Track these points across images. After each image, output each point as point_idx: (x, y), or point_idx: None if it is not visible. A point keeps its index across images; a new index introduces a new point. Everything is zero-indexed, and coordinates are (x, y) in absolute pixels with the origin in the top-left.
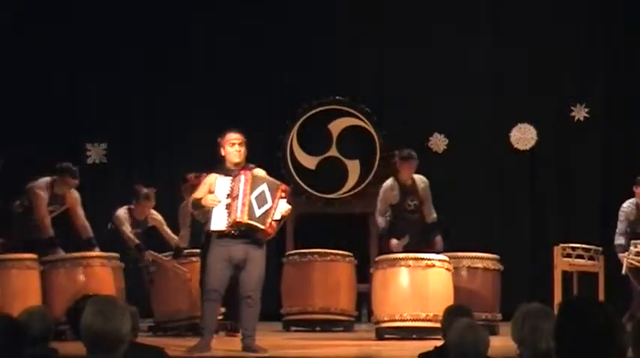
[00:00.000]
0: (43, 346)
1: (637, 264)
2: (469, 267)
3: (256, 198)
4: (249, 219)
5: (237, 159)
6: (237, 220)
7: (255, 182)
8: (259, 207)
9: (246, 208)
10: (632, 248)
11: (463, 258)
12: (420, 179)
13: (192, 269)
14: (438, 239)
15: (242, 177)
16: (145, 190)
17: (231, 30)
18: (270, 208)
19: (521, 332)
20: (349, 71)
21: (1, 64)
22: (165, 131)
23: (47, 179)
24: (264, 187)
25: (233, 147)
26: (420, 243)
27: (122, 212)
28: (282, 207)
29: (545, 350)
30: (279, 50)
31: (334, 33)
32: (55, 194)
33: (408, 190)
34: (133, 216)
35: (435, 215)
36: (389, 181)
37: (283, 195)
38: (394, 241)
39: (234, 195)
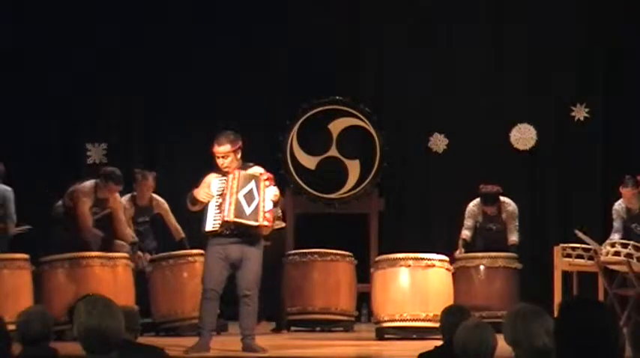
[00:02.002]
0: (43, 346)
1: (610, 264)
2: (488, 267)
3: (245, 196)
4: (236, 217)
5: (223, 170)
6: (225, 219)
7: (242, 180)
8: (249, 205)
9: (233, 207)
10: (608, 248)
11: (482, 257)
12: (507, 204)
13: (191, 269)
14: None
15: (230, 176)
16: (141, 171)
17: (231, 30)
18: (259, 202)
19: (513, 334)
20: (349, 71)
21: (1, 63)
22: (165, 131)
23: (91, 182)
24: (252, 184)
25: (218, 159)
26: None
27: (124, 200)
28: (270, 194)
29: (539, 351)
30: (280, 50)
31: (334, 33)
32: (98, 198)
33: (490, 216)
34: (135, 202)
35: (515, 238)
36: (475, 201)
37: (267, 183)
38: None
39: (224, 195)
